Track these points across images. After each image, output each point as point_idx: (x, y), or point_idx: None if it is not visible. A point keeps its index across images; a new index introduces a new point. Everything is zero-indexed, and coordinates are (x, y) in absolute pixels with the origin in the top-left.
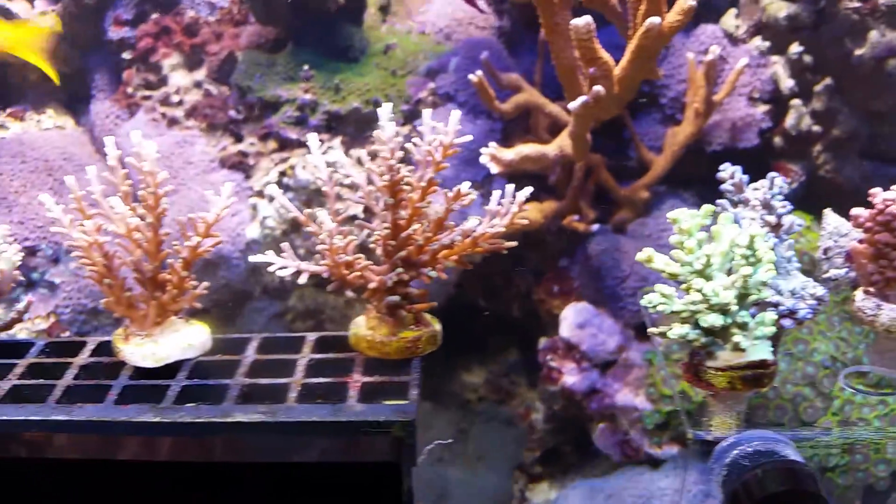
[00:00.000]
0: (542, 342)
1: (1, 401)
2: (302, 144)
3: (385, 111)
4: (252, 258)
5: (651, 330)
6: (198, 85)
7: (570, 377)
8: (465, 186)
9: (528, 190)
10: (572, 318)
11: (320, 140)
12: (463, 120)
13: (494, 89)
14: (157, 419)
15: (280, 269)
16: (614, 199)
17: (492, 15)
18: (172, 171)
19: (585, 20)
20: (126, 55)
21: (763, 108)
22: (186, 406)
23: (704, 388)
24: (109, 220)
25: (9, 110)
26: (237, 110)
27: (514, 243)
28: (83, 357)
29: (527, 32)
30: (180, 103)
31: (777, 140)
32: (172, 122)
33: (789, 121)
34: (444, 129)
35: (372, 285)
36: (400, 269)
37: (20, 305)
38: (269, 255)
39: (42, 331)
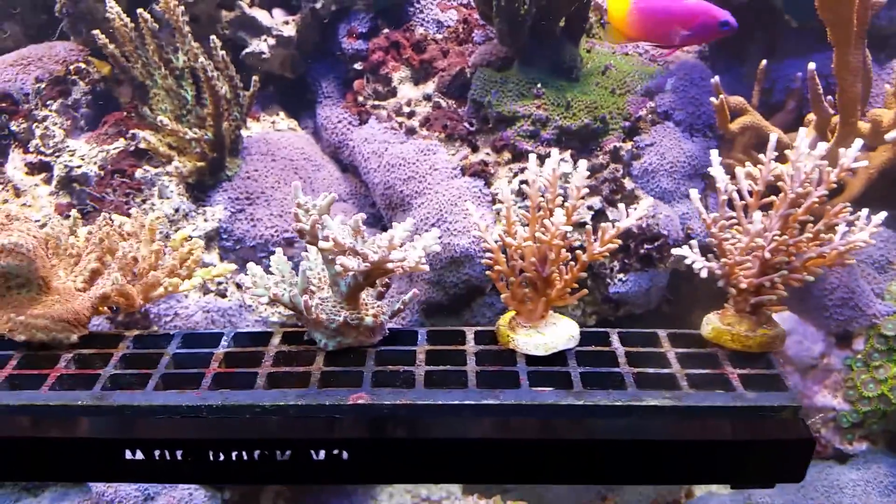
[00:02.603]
0: None
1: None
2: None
3: (803, 136)
4: (676, 251)
5: None
6: (427, 98)
7: None
8: (808, 201)
9: (883, 214)
10: None
11: (549, 153)
12: (680, 137)
13: (706, 110)
14: (580, 402)
15: (693, 263)
16: None
17: None
18: (419, 175)
19: None
20: (357, 66)
21: None
22: (598, 391)
23: None
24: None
25: None
26: (470, 123)
27: (853, 260)
28: (471, 345)
29: (718, 56)
30: (412, 114)
31: None
32: (410, 131)
33: None
34: (845, 153)
35: (742, 285)
36: (784, 272)
37: (406, 297)
38: (685, 250)
39: (289, 315)
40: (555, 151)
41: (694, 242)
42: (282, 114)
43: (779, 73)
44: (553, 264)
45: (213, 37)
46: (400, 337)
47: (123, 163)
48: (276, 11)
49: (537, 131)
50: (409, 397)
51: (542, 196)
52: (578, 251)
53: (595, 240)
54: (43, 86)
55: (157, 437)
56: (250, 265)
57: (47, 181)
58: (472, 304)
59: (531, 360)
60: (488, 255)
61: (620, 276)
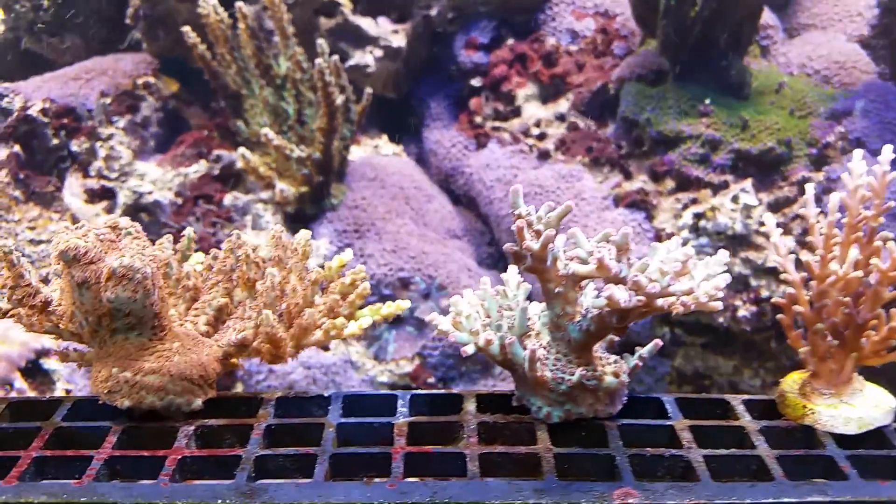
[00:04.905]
0: None
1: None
2: (707, 184)
3: None
4: None
5: None
6: (560, 118)
7: None
8: None
9: None
10: None
11: (724, 181)
12: None
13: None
14: None
15: None
16: None
17: (871, 61)
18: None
19: None
20: (475, 81)
21: None
22: None
23: None
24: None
25: None
26: (619, 145)
27: None
28: (748, 419)
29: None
30: (543, 136)
31: None
32: (544, 155)
33: None
34: None
35: None
36: None
37: (644, 350)
38: None
39: (406, 374)
40: (887, 148)
41: None
42: (384, 137)
43: None
44: (876, 305)
45: (321, 41)
46: (638, 406)
47: (207, 188)
48: (381, 20)
49: (707, 155)
50: (700, 494)
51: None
52: None
53: None
54: (108, 101)
55: None
56: (454, 298)
57: (110, 210)
58: None
59: (840, 440)
60: (787, 290)
61: None
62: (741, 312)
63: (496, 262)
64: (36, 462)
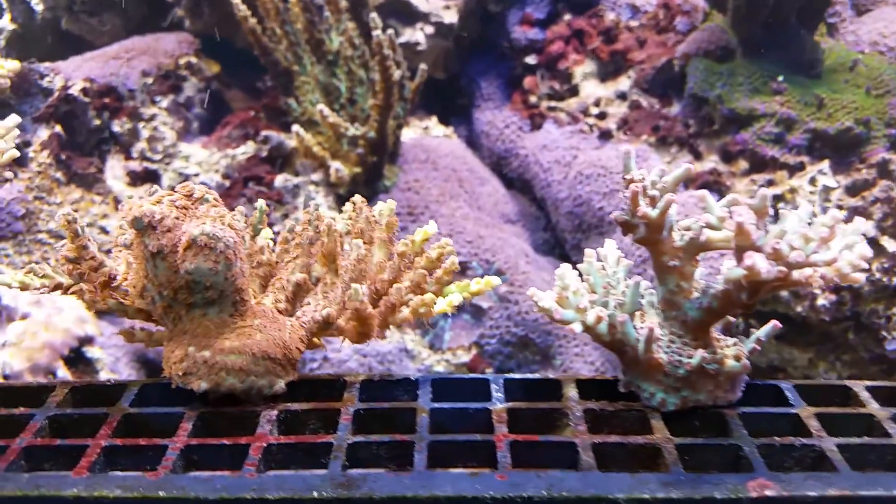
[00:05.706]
0: None
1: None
2: (783, 165)
3: None
4: None
5: None
6: (621, 96)
7: None
8: None
9: None
10: None
11: (800, 162)
12: None
13: None
14: None
15: None
16: None
17: None
18: None
19: None
20: (529, 59)
21: None
22: None
23: None
24: None
25: None
26: (686, 124)
27: None
28: (876, 407)
29: None
30: (603, 115)
31: None
32: (605, 134)
33: None
34: None
35: None
36: None
37: (762, 331)
38: None
39: (463, 364)
40: None
41: None
42: (434, 118)
43: None
44: None
45: (373, 15)
46: (753, 393)
47: (255, 170)
48: None
49: (783, 134)
50: (841, 485)
51: None
52: None
53: None
54: (150, 80)
55: None
56: (561, 270)
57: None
58: None
59: None
60: None
61: None
62: (820, 301)
63: (552, 248)
64: (106, 451)
